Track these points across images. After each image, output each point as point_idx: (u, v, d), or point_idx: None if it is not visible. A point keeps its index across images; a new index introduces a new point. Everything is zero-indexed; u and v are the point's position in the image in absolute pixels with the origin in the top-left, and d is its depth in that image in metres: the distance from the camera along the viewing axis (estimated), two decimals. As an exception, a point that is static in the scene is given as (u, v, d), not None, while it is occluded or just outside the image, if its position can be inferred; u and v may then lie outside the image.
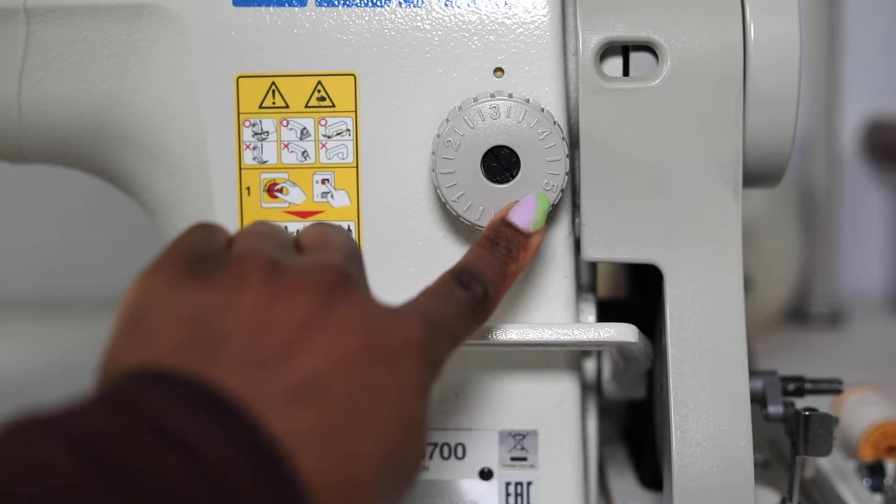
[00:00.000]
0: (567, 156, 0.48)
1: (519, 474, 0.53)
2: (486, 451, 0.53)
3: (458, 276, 0.42)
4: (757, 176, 0.52)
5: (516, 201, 0.47)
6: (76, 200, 1.05)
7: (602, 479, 0.60)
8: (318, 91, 0.51)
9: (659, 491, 0.56)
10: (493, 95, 0.48)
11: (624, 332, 0.49)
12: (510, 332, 0.49)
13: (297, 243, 0.40)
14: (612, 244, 0.50)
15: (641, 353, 0.52)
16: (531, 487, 0.53)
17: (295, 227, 0.51)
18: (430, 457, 0.53)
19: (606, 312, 0.55)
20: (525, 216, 0.46)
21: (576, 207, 0.51)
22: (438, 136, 0.48)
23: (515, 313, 0.51)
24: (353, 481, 0.32)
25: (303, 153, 0.51)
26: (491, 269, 0.43)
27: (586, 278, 0.55)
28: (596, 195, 0.50)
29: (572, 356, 0.52)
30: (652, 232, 0.50)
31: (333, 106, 0.51)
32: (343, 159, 0.51)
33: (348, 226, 0.51)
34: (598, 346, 0.51)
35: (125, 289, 0.39)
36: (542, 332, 0.49)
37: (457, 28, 0.50)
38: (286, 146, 0.51)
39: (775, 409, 0.54)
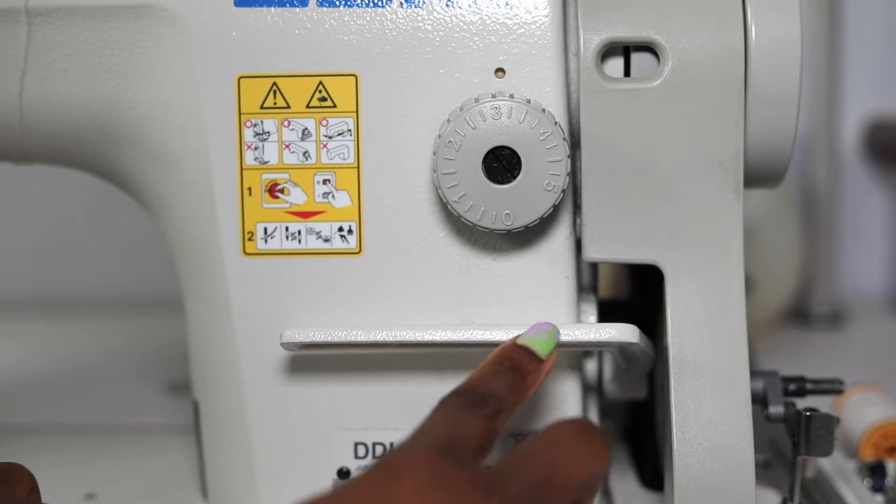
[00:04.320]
0: (568, 156, 0.48)
1: (520, 475, 0.53)
2: (487, 451, 0.53)
3: (469, 398, 0.41)
4: (758, 176, 0.52)
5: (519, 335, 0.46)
6: (76, 200, 1.05)
7: (603, 479, 0.60)
8: (320, 91, 0.51)
9: (660, 491, 0.56)
10: (494, 96, 0.48)
11: (625, 333, 0.49)
12: (512, 333, 0.49)
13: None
14: (613, 244, 0.50)
15: (642, 354, 0.52)
16: (532, 488, 0.53)
17: (296, 227, 0.51)
18: (432, 457, 0.53)
19: (607, 313, 0.55)
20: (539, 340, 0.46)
21: (577, 208, 0.51)
22: (440, 136, 0.48)
23: (517, 314, 0.51)
24: None
25: (304, 153, 0.51)
26: (503, 389, 0.43)
27: (587, 279, 0.55)
28: (597, 196, 0.50)
29: (573, 357, 0.52)
30: (653, 232, 0.50)
31: (335, 106, 0.51)
32: (344, 160, 0.51)
33: (349, 226, 0.51)
34: (600, 347, 0.51)
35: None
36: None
37: (458, 28, 0.50)
38: (287, 146, 0.51)
39: (776, 409, 0.54)
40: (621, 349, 0.51)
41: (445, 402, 0.41)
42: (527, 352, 0.45)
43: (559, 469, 0.39)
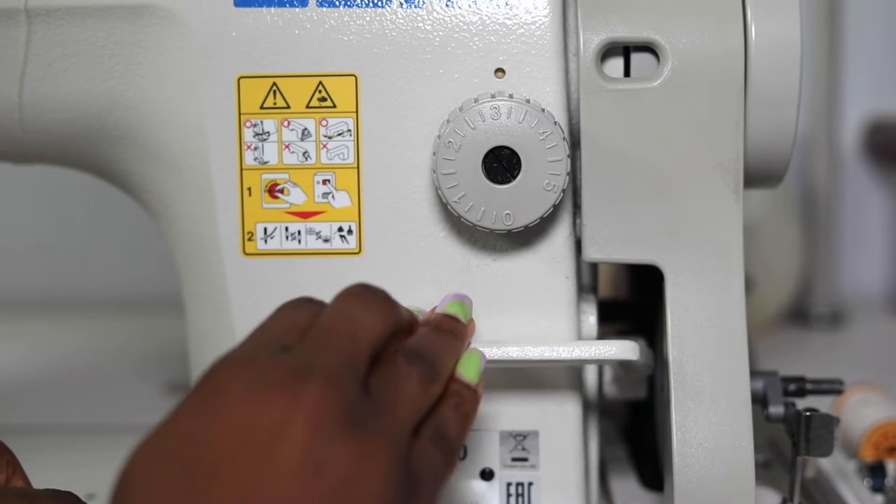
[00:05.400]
0: (568, 156, 0.48)
1: (520, 475, 0.53)
2: (487, 451, 0.53)
3: (412, 358, 0.41)
4: (758, 176, 0.52)
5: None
6: (76, 200, 1.05)
7: (603, 479, 0.60)
8: (319, 91, 0.51)
9: (660, 491, 0.56)
10: (493, 96, 0.48)
11: (625, 350, 0.49)
12: (511, 352, 0.49)
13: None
14: (613, 245, 0.50)
15: (643, 366, 0.52)
16: (532, 488, 0.53)
17: (296, 227, 0.51)
18: (431, 457, 0.53)
19: (607, 313, 0.55)
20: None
21: (577, 208, 0.51)
22: (439, 136, 0.48)
23: (517, 313, 0.51)
24: None
25: (304, 153, 0.51)
26: (444, 352, 0.43)
27: (587, 279, 0.55)
28: (597, 196, 0.50)
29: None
30: (653, 232, 0.50)
31: (334, 106, 0.51)
32: (344, 160, 0.51)
33: (349, 227, 0.51)
34: (600, 362, 0.51)
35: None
36: (543, 351, 0.49)
37: (458, 29, 0.50)
38: (287, 146, 0.51)
39: (776, 409, 0.54)
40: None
41: (283, 306, 0.41)
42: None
43: (361, 336, 0.39)
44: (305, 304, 0.41)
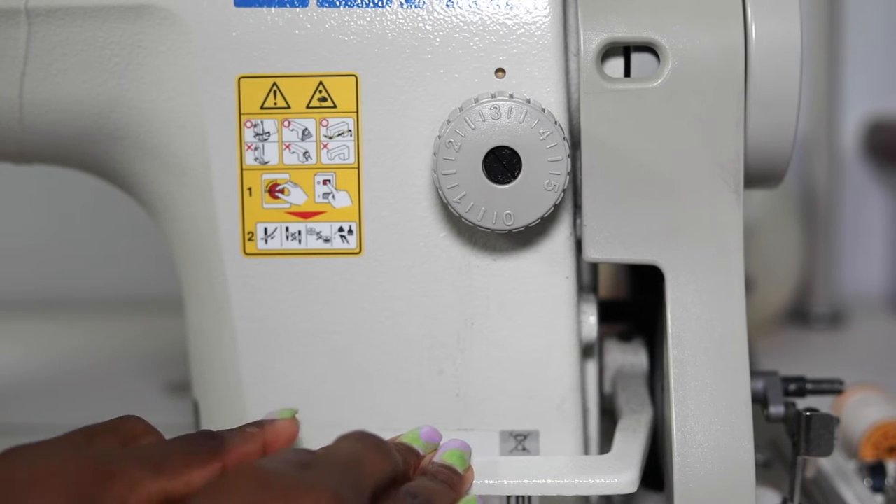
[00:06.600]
0: (568, 156, 0.48)
1: (520, 475, 0.53)
2: (487, 451, 0.53)
3: (411, 497, 0.44)
4: (758, 176, 0.52)
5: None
6: (76, 200, 1.05)
7: (603, 479, 0.60)
8: (320, 91, 0.51)
9: (660, 491, 0.56)
10: (493, 96, 0.48)
11: (626, 486, 0.49)
12: (509, 487, 0.49)
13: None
14: (614, 245, 0.50)
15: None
16: (532, 488, 0.53)
17: (296, 227, 0.51)
18: (432, 457, 0.53)
19: (607, 313, 0.55)
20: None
21: (577, 208, 0.51)
22: (440, 136, 0.48)
23: (517, 314, 0.51)
24: None
25: (304, 154, 0.51)
26: (440, 498, 0.45)
27: (587, 279, 0.55)
28: (597, 196, 0.50)
29: (574, 356, 0.52)
30: (653, 232, 0.50)
31: (335, 106, 0.51)
32: (344, 160, 0.51)
33: (349, 227, 0.51)
34: (600, 493, 0.51)
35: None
36: (545, 486, 0.49)
37: (458, 29, 0.50)
38: (287, 147, 0.51)
39: (776, 409, 0.54)
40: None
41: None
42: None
43: (365, 468, 0.42)
44: (302, 449, 0.43)
